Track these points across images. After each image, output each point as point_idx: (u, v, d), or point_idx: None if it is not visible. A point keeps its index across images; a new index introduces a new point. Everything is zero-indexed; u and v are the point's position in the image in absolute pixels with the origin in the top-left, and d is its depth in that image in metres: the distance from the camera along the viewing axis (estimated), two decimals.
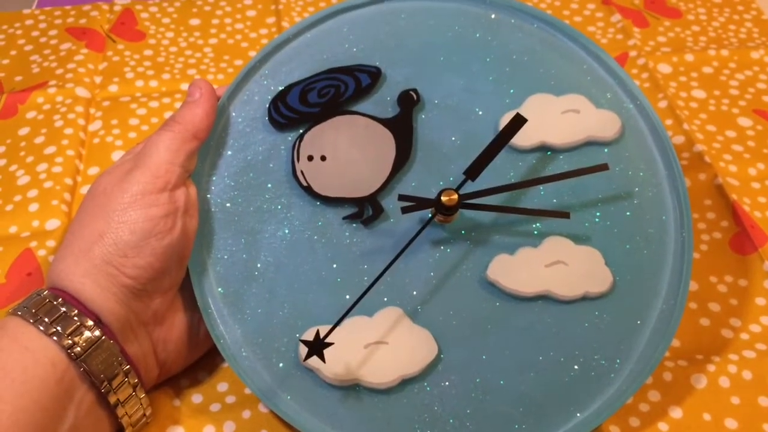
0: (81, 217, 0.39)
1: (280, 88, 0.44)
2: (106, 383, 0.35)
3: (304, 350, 0.37)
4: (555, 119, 0.43)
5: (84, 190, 0.54)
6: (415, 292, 0.41)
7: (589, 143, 0.43)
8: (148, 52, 0.65)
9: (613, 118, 0.43)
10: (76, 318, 0.35)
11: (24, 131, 0.57)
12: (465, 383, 0.39)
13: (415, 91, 0.44)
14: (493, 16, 0.46)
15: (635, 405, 0.42)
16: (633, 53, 0.65)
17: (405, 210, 0.40)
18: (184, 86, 0.61)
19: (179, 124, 0.40)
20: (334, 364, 0.38)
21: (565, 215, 0.41)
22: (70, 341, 0.35)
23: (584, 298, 0.41)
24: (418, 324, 0.40)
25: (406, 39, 0.45)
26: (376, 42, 0.45)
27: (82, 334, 0.35)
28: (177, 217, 0.39)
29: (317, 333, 0.37)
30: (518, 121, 0.40)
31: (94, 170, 0.55)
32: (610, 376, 0.39)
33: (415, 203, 0.40)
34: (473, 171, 0.40)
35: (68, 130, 0.57)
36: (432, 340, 0.40)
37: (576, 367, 0.40)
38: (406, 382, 0.39)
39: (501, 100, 0.44)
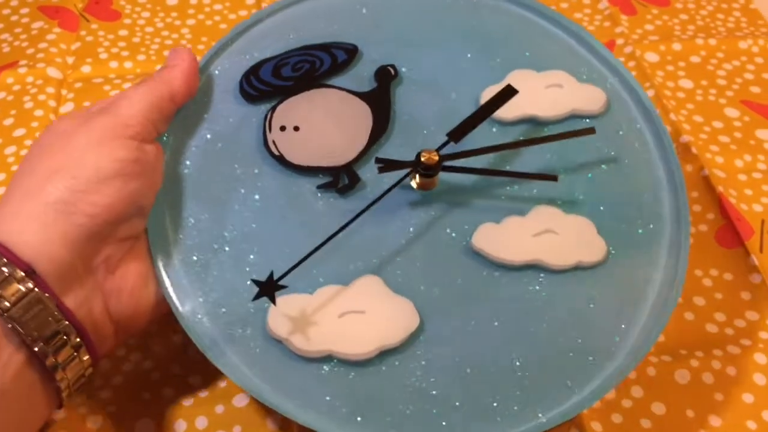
0: (31, 158, 0.35)
1: (252, 63, 0.42)
2: (40, 343, 0.31)
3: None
4: (538, 93, 0.43)
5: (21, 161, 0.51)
6: (395, 260, 0.38)
7: (574, 116, 0.43)
8: (123, 33, 0.63)
9: (597, 92, 0.43)
10: (4, 269, 0.31)
11: None
12: (450, 355, 0.36)
13: (392, 66, 0.43)
14: None
15: (618, 401, 0.41)
16: (620, 41, 0.64)
17: (382, 170, 0.38)
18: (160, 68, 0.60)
19: (156, 82, 0.38)
20: (306, 334, 0.35)
21: (553, 178, 0.40)
22: None
23: (577, 268, 0.38)
24: (398, 293, 0.37)
25: (383, 20, 0.45)
26: (353, 22, 0.45)
27: (10, 285, 0.31)
28: (146, 167, 0.36)
29: (270, 274, 0.34)
30: (508, 92, 0.40)
31: (34, 140, 0.53)
32: (610, 350, 0.36)
33: (392, 165, 0.38)
34: (456, 133, 0.39)
35: (38, 112, 0.55)
36: (413, 309, 0.37)
37: (571, 339, 0.37)
38: (385, 354, 0.36)
39: (481, 75, 0.43)
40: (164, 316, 0.38)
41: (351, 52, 0.43)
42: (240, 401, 0.41)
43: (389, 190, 0.38)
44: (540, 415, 0.35)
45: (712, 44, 0.64)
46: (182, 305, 0.37)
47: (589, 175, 0.41)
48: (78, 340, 0.33)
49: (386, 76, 0.43)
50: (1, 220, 0.33)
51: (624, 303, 0.38)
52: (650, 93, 0.59)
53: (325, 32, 0.44)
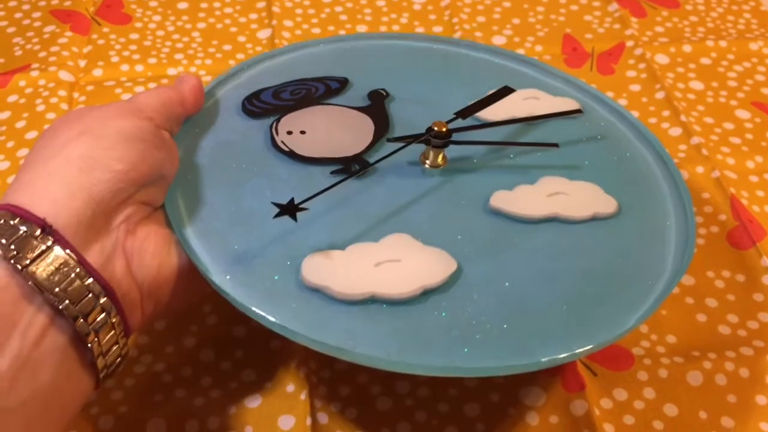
0: (50, 132, 0.35)
1: (252, 91, 0.46)
2: (66, 302, 0.29)
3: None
4: (519, 102, 0.47)
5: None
6: (420, 224, 0.39)
7: (559, 113, 0.46)
8: (134, 36, 0.63)
9: (570, 102, 0.48)
10: (22, 227, 0.30)
11: (5, 115, 0.55)
12: (494, 292, 0.36)
13: (384, 89, 0.47)
14: (434, 46, 0.52)
15: (630, 402, 0.41)
16: (630, 43, 0.63)
17: (393, 140, 0.41)
18: (171, 71, 0.60)
19: (168, 87, 0.40)
20: (343, 280, 0.35)
21: (554, 145, 0.43)
22: (13, 252, 0.29)
23: (594, 218, 0.40)
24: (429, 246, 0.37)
25: (368, 63, 0.49)
26: (342, 65, 0.49)
27: (29, 243, 0.29)
28: (165, 144, 0.37)
29: (291, 199, 0.35)
30: (507, 90, 0.44)
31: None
32: (647, 283, 0.37)
33: (405, 139, 0.41)
34: (464, 112, 0.42)
35: (50, 115, 0.55)
36: (448, 256, 0.37)
37: (616, 264, 0.38)
38: (428, 293, 0.36)
39: (464, 94, 0.46)
40: (180, 308, 0.38)
41: (343, 82, 0.47)
42: (252, 402, 0.41)
43: (406, 144, 0.41)
44: (590, 340, 0.35)
45: (722, 46, 0.63)
46: (211, 267, 0.36)
47: (587, 152, 0.44)
48: (106, 300, 0.31)
49: (379, 97, 0.46)
50: (18, 186, 0.32)
51: (654, 232, 0.40)
52: (661, 95, 0.59)
53: (317, 70, 0.48)
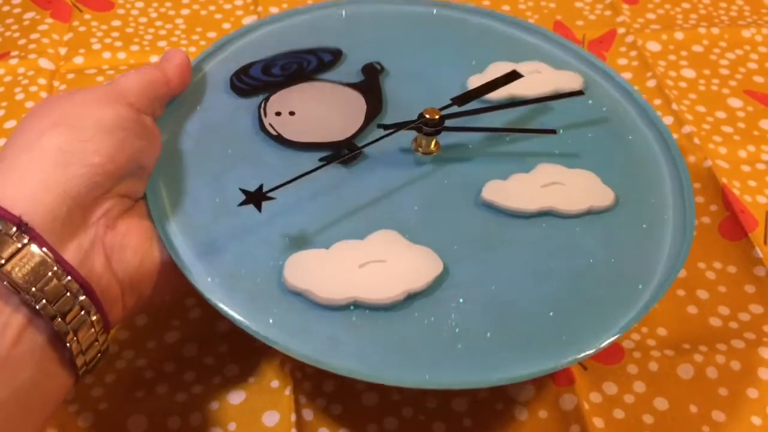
0: (29, 119, 0.34)
1: (241, 65, 0.44)
2: (42, 301, 0.29)
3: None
4: (521, 78, 0.44)
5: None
6: (408, 218, 0.38)
7: (558, 94, 0.44)
8: (116, 23, 0.62)
9: (574, 76, 0.46)
10: None
11: None
12: (480, 295, 0.35)
13: (378, 63, 0.45)
14: (434, 11, 0.49)
15: (620, 396, 0.41)
16: (621, 30, 0.63)
17: (385, 127, 0.39)
18: (154, 59, 0.59)
19: (152, 68, 0.39)
20: (326, 283, 0.34)
21: (552, 132, 0.42)
22: None
23: (589, 212, 0.39)
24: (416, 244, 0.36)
25: (363, 32, 0.47)
26: (335, 33, 0.47)
27: (4, 243, 0.29)
28: (146, 130, 0.36)
29: (260, 186, 0.34)
30: (513, 75, 0.42)
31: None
32: (637, 287, 0.36)
33: (395, 126, 0.39)
34: (461, 98, 0.40)
35: (30, 104, 0.54)
36: (435, 255, 0.36)
37: (605, 268, 0.37)
38: (412, 298, 0.35)
39: (464, 67, 0.45)
40: (163, 302, 0.37)
41: (336, 54, 0.45)
42: (235, 398, 0.40)
43: (396, 130, 0.39)
44: (575, 350, 0.34)
45: (714, 33, 0.63)
46: (192, 267, 0.35)
47: (587, 136, 0.43)
48: (84, 298, 0.30)
49: (373, 71, 0.45)
50: None
51: (647, 231, 0.39)
52: (652, 83, 0.58)
53: (309, 41, 0.46)
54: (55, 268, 0.30)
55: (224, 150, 0.40)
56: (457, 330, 0.34)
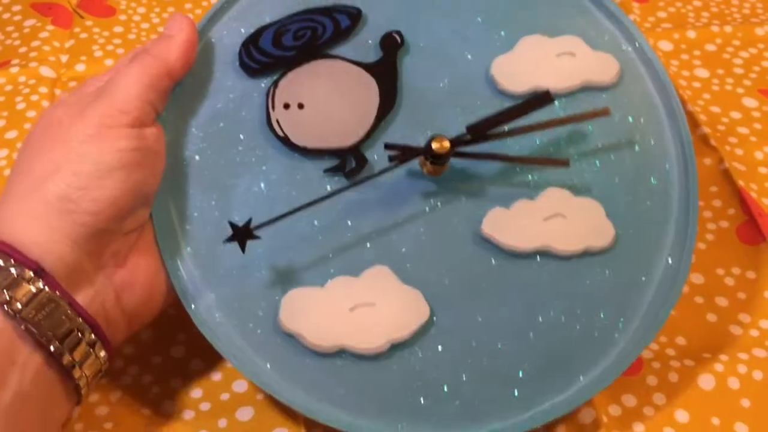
0: (29, 153, 0.34)
1: (251, 31, 0.41)
2: (56, 342, 0.31)
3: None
4: (549, 63, 0.42)
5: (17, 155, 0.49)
6: (404, 249, 0.38)
7: (586, 88, 0.41)
8: (118, 29, 0.61)
9: (610, 61, 0.42)
10: (12, 269, 0.31)
11: None
12: (460, 347, 0.37)
13: (398, 33, 0.42)
14: None
15: (639, 409, 0.39)
16: None
17: (392, 159, 0.37)
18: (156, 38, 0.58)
19: (152, 58, 0.36)
20: (318, 329, 0.36)
21: (564, 163, 0.39)
22: (6, 296, 0.30)
23: (585, 254, 0.38)
24: (407, 284, 0.37)
25: None
26: None
27: (20, 286, 0.31)
28: (147, 154, 0.35)
29: (249, 220, 0.35)
30: (545, 98, 0.38)
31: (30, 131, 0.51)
32: (613, 336, 0.37)
33: (402, 152, 0.37)
34: (477, 129, 0.38)
35: (31, 113, 0.53)
36: (423, 301, 0.37)
37: (578, 327, 0.37)
38: (395, 347, 0.36)
39: (491, 42, 0.42)
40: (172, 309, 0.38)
41: (354, 17, 0.42)
42: (243, 415, 0.39)
43: (387, 170, 0.38)
44: (546, 403, 0.36)
45: (727, 31, 0.61)
46: (194, 301, 0.37)
47: (598, 159, 0.40)
48: (93, 336, 0.32)
49: (392, 45, 0.41)
50: (2, 221, 0.33)
51: (629, 288, 0.38)
52: None
53: None
54: (69, 312, 0.32)
55: (231, 155, 0.39)
56: (432, 384, 0.36)
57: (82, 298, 0.33)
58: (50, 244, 0.32)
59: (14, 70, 0.56)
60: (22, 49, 0.58)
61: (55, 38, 0.59)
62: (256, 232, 0.35)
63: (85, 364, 0.32)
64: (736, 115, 0.55)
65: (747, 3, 0.65)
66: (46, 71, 0.56)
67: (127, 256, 0.36)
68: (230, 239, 0.35)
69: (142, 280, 0.36)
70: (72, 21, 0.61)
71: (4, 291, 0.31)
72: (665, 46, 0.60)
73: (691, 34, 0.61)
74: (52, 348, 0.31)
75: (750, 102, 0.56)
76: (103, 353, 0.33)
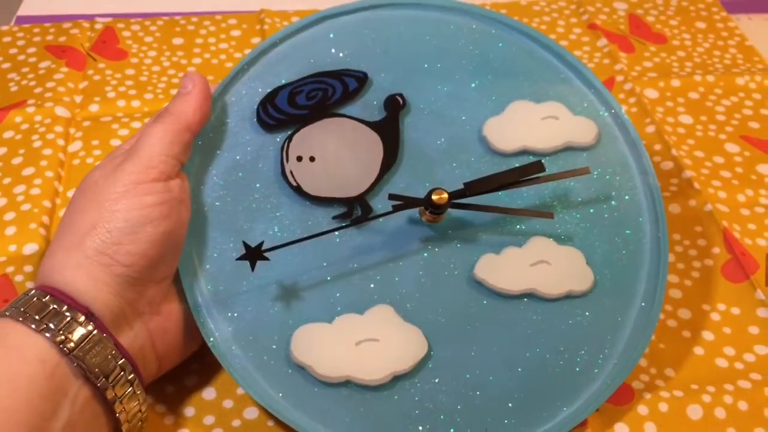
0: (71, 212, 0.38)
1: (268, 90, 0.44)
2: (102, 378, 0.35)
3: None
4: (535, 125, 0.46)
5: (63, 212, 0.51)
6: (404, 290, 0.41)
7: (568, 148, 0.45)
8: (130, 71, 0.63)
9: (589, 125, 0.46)
10: (67, 313, 0.35)
11: (1, 151, 0.55)
12: (455, 379, 0.40)
13: (401, 95, 0.45)
14: (474, 26, 0.47)
15: None
16: (620, 78, 0.65)
17: (396, 208, 0.40)
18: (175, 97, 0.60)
19: (172, 116, 0.40)
20: (326, 361, 0.39)
21: (549, 215, 0.43)
22: (62, 337, 0.34)
23: (568, 296, 0.42)
24: (408, 321, 0.40)
25: (391, 46, 0.47)
26: (362, 48, 0.46)
27: (74, 329, 0.34)
28: (172, 205, 0.38)
29: (261, 243, 0.39)
30: (537, 167, 0.42)
31: (73, 192, 0.53)
32: (593, 371, 0.41)
33: (405, 202, 0.41)
34: (474, 187, 0.41)
35: (47, 151, 0.55)
36: (422, 337, 0.40)
37: (561, 362, 0.41)
38: (397, 379, 0.39)
39: (484, 106, 0.46)
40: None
41: (361, 80, 0.45)
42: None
43: (384, 215, 0.41)
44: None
45: (710, 81, 0.65)
46: (213, 335, 0.40)
47: (579, 212, 0.44)
48: (132, 375, 0.36)
49: (395, 106, 0.45)
50: (52, 270, 0.36)
51: (607, 329, 0.42)
52: (651, 129, 0.60)
53: (335, 58, 0.46)
54: (114, 352, 0.35)
55: (248, 202, 0.42)
56: (431, 410, 0.39)
57: (123, 340, 0.37)
58: (96, 292, 0.36)
59: (30, 109, 0.58)
60: (38, 90, 0.61)
61: (69, 79, 0.62)
62: (267, 255, 0.39)
63: (125, 399, 0.36)
64: (719, 159, 0.58)
65: (728, 54, 0.68)
66: (61, 111, 0.59)
67: (161, 304, 0.39)
68: (242, 257, 0.38)
69: (174, 327, 0.40)
70: (85, 63, 0.64)
71: (60, 332, 0.34)
72: (651, 93, 0.63)
73: (676, 82, 0.64)
74: (98, 384, 0.35)
75: (732, 147, 0.59)
76: (140, 391, 0.37)
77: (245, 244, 0.38)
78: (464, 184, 0.41)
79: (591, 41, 0.69)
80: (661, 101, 0.63)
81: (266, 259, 0.39)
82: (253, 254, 0.38)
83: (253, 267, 0.39)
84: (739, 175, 0.57)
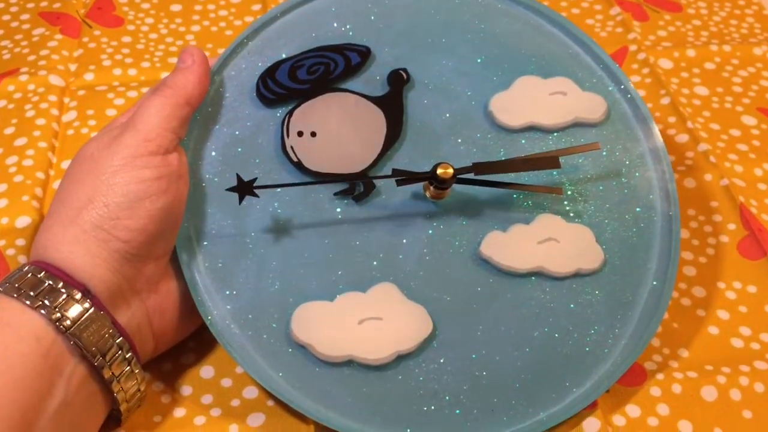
0: (66, 185, 0.37)
1: (269, 65, 0.43)
2: (99, 357, 0.34)
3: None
4: (543, 101, 0.44)
5: (57, 184, 0.50)
6: (408, 268, 0.40)
7: (577, 124, 0.44)
8: (126, 39, 0.61)
9: (598, 101, 0.45)
10: (63, 290, 0.34)
11: None
12: (461, 359, 0.39)
13: (405, 70, 0.44)
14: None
15: (643, 419, 0.40)
16: (633, 47, 0.62)
17: (400, 183, 0.39)
18: (165, 75, 0.58)
19: (170, 89, 0.39)
20: (328, 340, 0.37)
21: (558, 191, 0.42)
22: (58, 314, 0.33)
23: (577, 275, 0.41)
24: (412, 300, 0.39)
25: (395, 20, 0.45)
26: (365, 22, 0.45)
27: (70, 306, 0.33)
28: (171, 179, 0.37)
29: (254, 179, 0.38)
30: (551, 162, 0.41)
31: (68, 163, 0.51)
32: (604, 351, 0.40)
33: (409, 176, 0.39)
34: (483, 167, 0.40)
35: (40, 121, 0.54)
36: (427, 315, 0.39)
37: (570, 342, 0.40)
38: (401, 359, 0.38)
39: (489, 81, 0.45)
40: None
41: (364, 55, 0.44)
42: (254, 420, 0.39)
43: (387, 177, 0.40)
44: (541, 413, 0.38)
45: (726, 51, 0.63)
46: (211, 313, 0.38)
47: (588, 189, 0.43)
48: (130, 354, 0.35)
49: (399, 81, 0.44)
50: (47, 245, 0.35)
51: (618, 308, 0.41)
52: (666, 100, 0.58)
53: (338, 32, 0.44)
54: (111, 330, 0.34)
55: (249, 174, 0.40)
56: (436, 391, 0.38)
57: (120, 318, 0.36)
58: (93, 269, 0.35)
59: (23, 78, 0.57)
60: (31, 57, 0.59)
61: (63, 47, 0.60)
62: (258, 192, 0.38)
63: (123, 379, 0.35)
64: (735, 132, 0.56)
65: (745, 23, 0.66)
66: (55, 80, 0.57)
67: (159, 283, 0.38)
68: (232, 189, 0.37)
69: (172, 305, 0.39)
70: (80, 30, 0.62)
71: (56, 309, 0.33)
72: (665, 64, 0.61)
73: (691, 52, 0.62)
74: (95, 362, 0.34)
75: (749, 120, 0.57)
76: (138, 370, 0.36)
77: (238, 177, 0.37)
78: (473, 164, 0.39)
79: (603, 9, 0.66)
80: (676, 72, 0.61)
81: (256, 195, 0.38)
82: (244, 188, 0.37)
83: (240, 200, 0.38)
84: (756, 148, 0.55)
